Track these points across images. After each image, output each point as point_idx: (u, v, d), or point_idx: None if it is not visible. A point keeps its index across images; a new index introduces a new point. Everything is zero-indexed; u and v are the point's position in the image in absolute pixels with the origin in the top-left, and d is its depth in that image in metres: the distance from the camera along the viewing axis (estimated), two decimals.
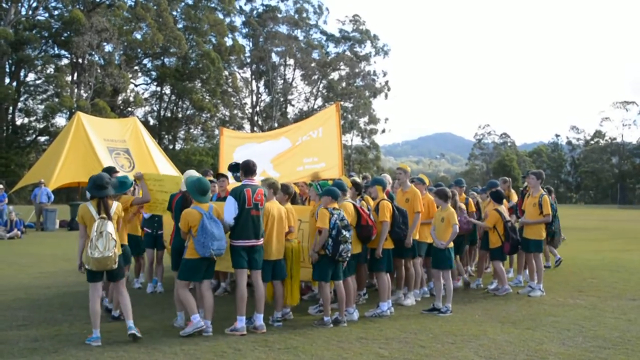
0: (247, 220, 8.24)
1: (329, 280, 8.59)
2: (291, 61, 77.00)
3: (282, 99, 77.16)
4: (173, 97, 69.35)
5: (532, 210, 11.32)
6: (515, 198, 13.26)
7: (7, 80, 55.25)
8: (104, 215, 7.63)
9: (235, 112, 74.67)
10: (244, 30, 76.05)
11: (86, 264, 7.52)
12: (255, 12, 76.50)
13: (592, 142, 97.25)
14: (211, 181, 10.89)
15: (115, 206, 7.96)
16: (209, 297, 8.21)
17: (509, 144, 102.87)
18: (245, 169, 8.62)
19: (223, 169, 11.97)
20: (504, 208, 11.49)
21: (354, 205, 9.08)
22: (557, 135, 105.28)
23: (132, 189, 9.33)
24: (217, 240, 7.82)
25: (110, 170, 9.68)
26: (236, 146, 12.77)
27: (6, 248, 18.77)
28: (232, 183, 10.67)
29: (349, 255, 8.51)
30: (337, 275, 8.69)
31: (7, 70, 55.71)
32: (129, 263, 9.00)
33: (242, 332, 8.06)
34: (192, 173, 9.17)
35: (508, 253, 11.55)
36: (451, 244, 9.81)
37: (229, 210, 8.23)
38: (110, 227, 7.59)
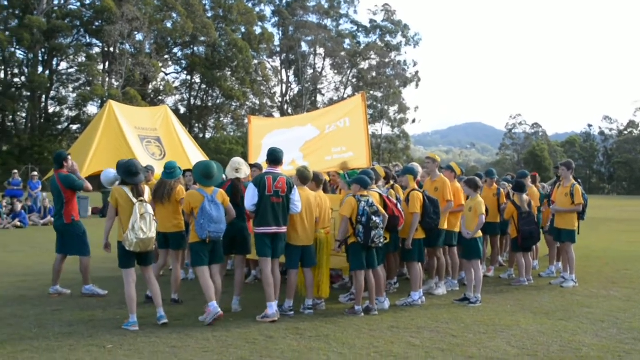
0: (267, 207, 8.31)
1: (364, 269, 8.57)
2: (321, 50, 76.89)
3: (311, 88, 77.15)
4: (203, 86, 69.66)
5: (564, 200, 11.23)
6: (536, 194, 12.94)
7: (40, 69, 55.95)
8: (142, 199, 7.78)
9: (265, 100, 74.86)
10: (273, 20, 76.10)
11: (129, 247, 7.61)
12: (284, 1, 76.44)
13: (626, 132, 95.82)
14: (252, 166, 10.99)
15: (147, 192, 8.07)
16: (217, 281, 8.27)
17: (540, 134, 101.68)
18: (271, 157, 8.71)
19: (252, 157, 11.99)
20: (524, 198, 11.32)
21: (380, 195, 9.04)
22: (589, 125, 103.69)
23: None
24: (214, 223, 7.88)
25: (63, 155, 10.12)
26: (265, 134, 12.79)
27: (40, 234, 19.04)
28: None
29: (382, 241, 8.49)
30: (372, 263, 8.68)
31: (40, 59, 56.40)
32: (185, 247, 9.26)
33: (273, 319, 8.10)
34: (239, 160, 9.19)
35: (520, 245, 11.32)
36: (479, 234, 9.74)
37: (249, 197, 8.38)
38: (150, 209, 7.80)
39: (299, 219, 8.59)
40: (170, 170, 8.98)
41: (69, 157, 10.07)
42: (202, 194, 8.02)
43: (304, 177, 8.83)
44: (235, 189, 8.73)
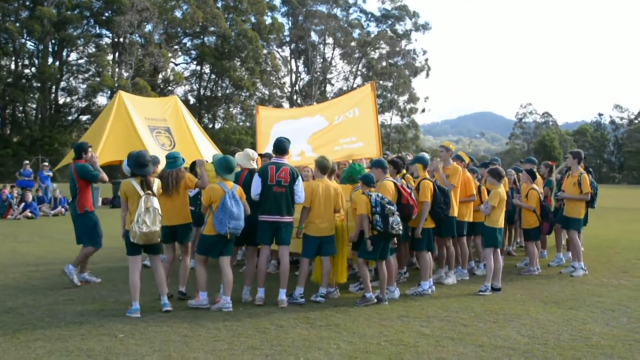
0: (269, 196, 8.48)
1: (376, 258, 8.61)
2: (330, 40, 76.75)
3: (321, 78, 77.02)
4: (212, 76, 69.66)
5: (572, 189, 11.29)
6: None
7: (50, 60, 56.09)
8: (149, 192, 7.79)
9: (275, 90, 74.73)
10: (283, 9, 75.93)
11: (133, 238, 7.70)
12: None
13: (637, 121, 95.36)
14: (262, 155, 11.04)
15: (157, 183, 8.08)
16: (229, 273, 8.28)
17: (550, 123, 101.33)
18: (277, 147, 8.82)
19: (261, 147, 12.00)
20: (537, 187, 11.40)
21: (395, 184, 9.03)
22: (600, 115, 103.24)
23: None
24: (234, 220, 7.94)
25: (84, 146, 10.15)
26: (273, 124, 12.77)
27: (51, 225, 19.12)
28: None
29: (401, 227, 8.49)
30: (385, 254, 8.70)
31: (51, 50, 56.54)
32: (192, 239, 9.23)
33: (259, 303, 8.44)
34: (250, 151, 9.23)
35: (547, 232, 11.48)
36: (500, 224, 9.74)
37: (254, 186, 8.55)
38: (156, 202, 7.83)
39: (317, 210, 8.65)
40: (170, 160, 8.77)
41: (90, 149, 10.10)
42: (224, 189, 8.04)
43: (323, 166, 8.87)
44: (249, 178, 8.78)
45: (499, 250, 9.74)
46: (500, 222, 9.72)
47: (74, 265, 9.80)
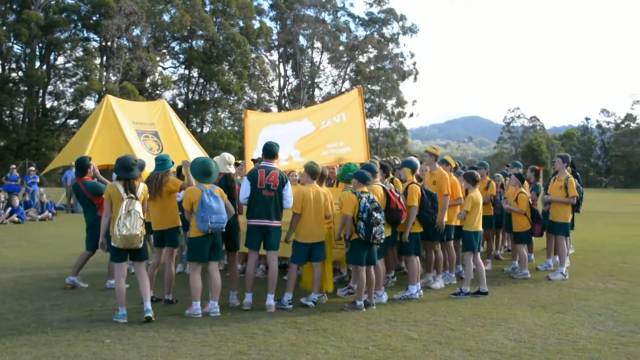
0: (259, 200, 8.48)
1: (364, 264, 8.58)
2: (318, 44, 76.70)
3: (309, 82, 76.94)
4: (201, 80, 69.42)
5: (559, 193, 11.38)
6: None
7: (37, 64, 55.77)
8: (132, 195, 7.77)
9: (263, 95, 74.61)
10: (271, 13, 75.88)
11: (113, 242, 7.67)
12: None
13: (623, 125, 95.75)
14: (237, 164, 11.08)
15: (142, 187, 8.05)
16: (216, 278, 8.26)
17: (538, 127, 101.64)
18: (266, 151, 8.83)
19: (249, 152, 12.00)
20: (525, 190, 11.51)
21: (384, 188, 9.04)
22: (587, 119, 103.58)
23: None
24: (215, 214, 7.89)
25: (86, 161, 10.09)
26: (261, 128, 12.77)
27: (38, 229, 19.05)
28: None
29: (383, 237, 8.48)
30: (372, 260, 8.68)
31: (38, 53, 56.23)
32: (183, 244, 9.14)
33: (247, 308, 8.44)
34: (227, 155, 9.21)
35: (539, 235, 11.55)
36: (478, 228, 9.84)
37: (243, 190, 8.55)
38: (138, 206, 7.79)
39: (307, 216, 8.63)
40: (159, 162, 8.70)
41: (91, 162, 10.08)
42: (201, 189, 8.03)
43: (313, 171, 8.87)
44: (229, 182, 8.74)
45: (478, 254, 9.80)
46: (477, 226, 9.81)
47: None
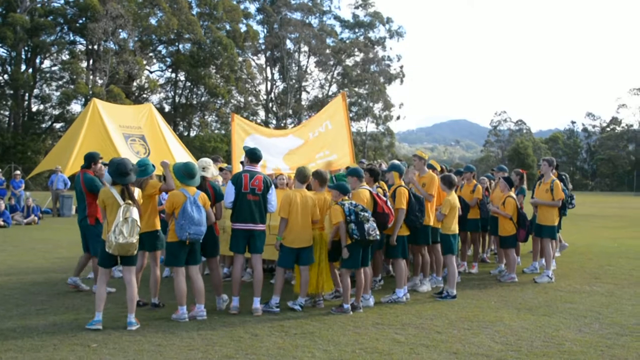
0: (243, 204, 8.49)
1: (359, 267, 8.63)
2: (305, 48, 76.71)
3: (296, 86, 76.93)
4: (188, 84, 69.26)
5: (545, 196, 11.48)
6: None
7: (23, 67, 55.51)
8: (130, 202, 7.66)
9: (250, 98, 74.47)
10: (258, 17, 75.85)
11: (108, 248, 7.53)
12: None
13: (609, 129, 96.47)
14: (221, 169, 11.07)
15: (137, 192, 7.99)
16: (198, 280, 8.21)
17: (524, 130, 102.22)
18: (249, 155, 8.86)
19: (236, 155, 11.98)
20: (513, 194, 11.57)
21: (370, 192, 9.06)
22: (572, 122, 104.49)
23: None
24: (195, 225, 7.84)
25: (96, 157, 9.99)
26: (245, 136, 12.76)
27: (24, 233, 18.93)
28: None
29: (377, 233, 8.51)
30: (366, 261, 8.76)
31: (23, 56, 55.96)
32: (163, 247, 8.87)
33: (234, 312, 8.42)
34: (206, 160, 9.17)
35: (523, 240, 11.60)
36: (455, 231, 9.99)
37: (228, 194, 8.57)
38: (136, 213, 7.64)
39: (294, 220, 8.62)
40: (142, 168, 8.44)
41: (100, 161, 9.99)
42: (185, 195, 7.98)
43: (302, 175, 8.88)
44: (202, 188, 8.63)
45: (454, 257, 9.90)
46: (454, 229, 9.94)
47: (76, 275, 10.01)
